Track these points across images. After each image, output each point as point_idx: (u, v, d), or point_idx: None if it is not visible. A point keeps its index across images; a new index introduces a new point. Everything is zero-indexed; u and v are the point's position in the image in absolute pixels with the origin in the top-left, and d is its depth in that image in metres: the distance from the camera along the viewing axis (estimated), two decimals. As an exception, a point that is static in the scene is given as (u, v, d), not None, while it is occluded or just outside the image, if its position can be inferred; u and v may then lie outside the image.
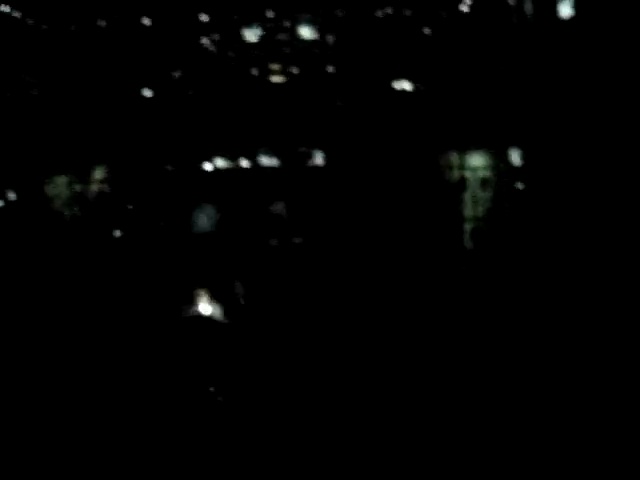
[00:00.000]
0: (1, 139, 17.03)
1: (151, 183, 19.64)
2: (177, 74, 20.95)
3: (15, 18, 18.97)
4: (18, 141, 17.67)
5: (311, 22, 20.70)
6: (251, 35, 20.84)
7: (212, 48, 21.10)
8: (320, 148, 21.00)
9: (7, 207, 17.67)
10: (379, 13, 20.33)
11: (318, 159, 21.04)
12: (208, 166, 20.62)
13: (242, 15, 20.98)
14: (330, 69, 20.77)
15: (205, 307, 7.20)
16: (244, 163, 20.73)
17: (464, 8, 19.18)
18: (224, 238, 15.22)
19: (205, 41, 21.04)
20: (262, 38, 20.71)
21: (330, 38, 20.76)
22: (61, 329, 9.91)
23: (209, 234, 15.29)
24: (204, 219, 15.49)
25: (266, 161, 20.63)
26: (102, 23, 20.59)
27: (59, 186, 19.63)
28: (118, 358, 8.66)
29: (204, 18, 20.80)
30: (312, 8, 20.58)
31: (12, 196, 17.99)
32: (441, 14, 20.09)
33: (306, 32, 20.63)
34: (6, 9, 18.54)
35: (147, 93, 20.47)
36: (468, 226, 17.72)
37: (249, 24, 20.89)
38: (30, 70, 19.30)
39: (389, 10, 20.33)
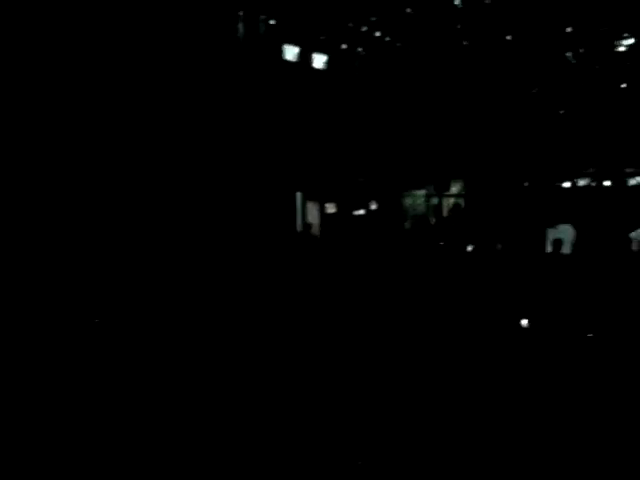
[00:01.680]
0: (360, 155, 18.38)
1: (507, 199, 19.61)
2: (536, 90, 20.66)
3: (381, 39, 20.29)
4: (382, 157, 18.88)
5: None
6: (620, 47, 19.73)
7: (576, 61, 20.43)
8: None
9: (367, 215, 19.03)
10: None
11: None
12: (567, 184, 20.02)
13: (611, 26, 19.89)
14: None
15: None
16: (607, 183, 19.71)
17: None
18: (579, 260, 14.56)
19: (569, 54, 20.43)
20: (633, 50, 19.45)
21: None
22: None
23: (564, 254, 14.77)
24: (561, 238, 15.02)
25: (632, 182, 19.37)
26: (465, 42, 21.09)
27: (417, 198, 20.58)
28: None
29: (569, 30, 20.19)
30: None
31: (373, 206, 19.35)
32: None
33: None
34: (378, 34, 19.91)
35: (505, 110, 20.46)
36: None
37: (617, 35, 19.80)
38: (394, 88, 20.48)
39: None
